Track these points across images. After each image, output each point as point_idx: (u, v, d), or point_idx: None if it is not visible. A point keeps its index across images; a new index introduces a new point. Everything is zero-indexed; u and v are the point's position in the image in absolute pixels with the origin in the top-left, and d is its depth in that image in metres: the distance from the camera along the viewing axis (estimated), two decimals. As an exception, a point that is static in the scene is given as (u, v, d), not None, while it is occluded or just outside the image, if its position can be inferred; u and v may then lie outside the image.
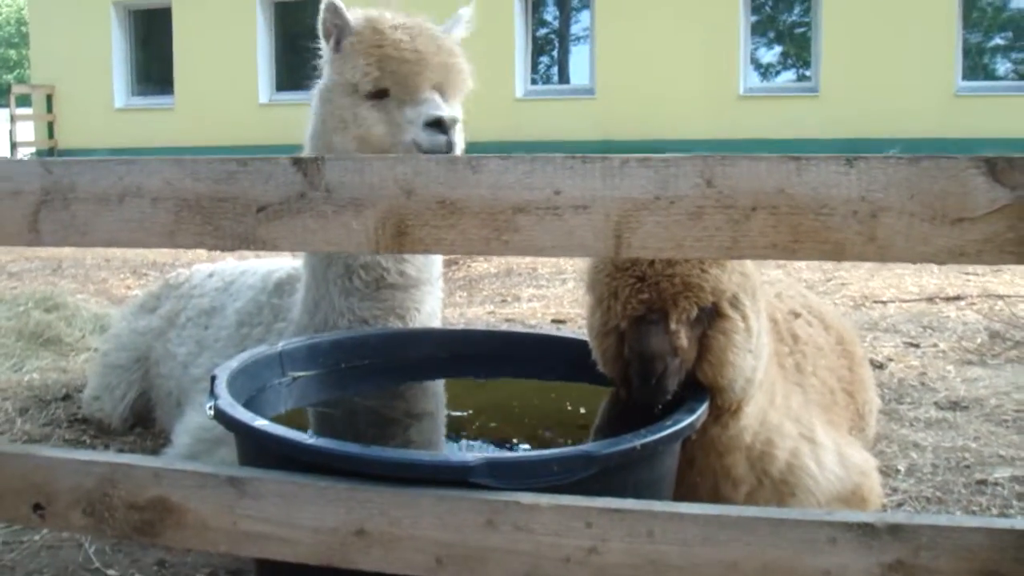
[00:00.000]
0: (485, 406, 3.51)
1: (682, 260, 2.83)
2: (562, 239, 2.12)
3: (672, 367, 2.83)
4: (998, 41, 19.74)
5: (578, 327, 6.64)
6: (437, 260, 4.14)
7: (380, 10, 3.94)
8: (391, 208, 2.18)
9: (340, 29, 3.91)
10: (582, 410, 3.43)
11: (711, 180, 2.04)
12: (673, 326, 2.85)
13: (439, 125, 3.68)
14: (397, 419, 3.35)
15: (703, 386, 2.95)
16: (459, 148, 3.72)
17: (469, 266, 10.10)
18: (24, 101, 25.31)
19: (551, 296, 8.47)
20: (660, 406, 2.84)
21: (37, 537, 3.58)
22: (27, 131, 24.00)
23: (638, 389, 2.86)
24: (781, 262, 9.76)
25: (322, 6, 3.92)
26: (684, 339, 2.86)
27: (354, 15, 3.90)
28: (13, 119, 23.56)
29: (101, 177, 2.35)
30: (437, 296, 4.19)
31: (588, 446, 2.52)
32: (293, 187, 2.23)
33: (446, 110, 3.73)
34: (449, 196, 2.15)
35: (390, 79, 3.79)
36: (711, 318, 2.91)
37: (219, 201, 2.28)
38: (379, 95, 3.80)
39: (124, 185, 2.34)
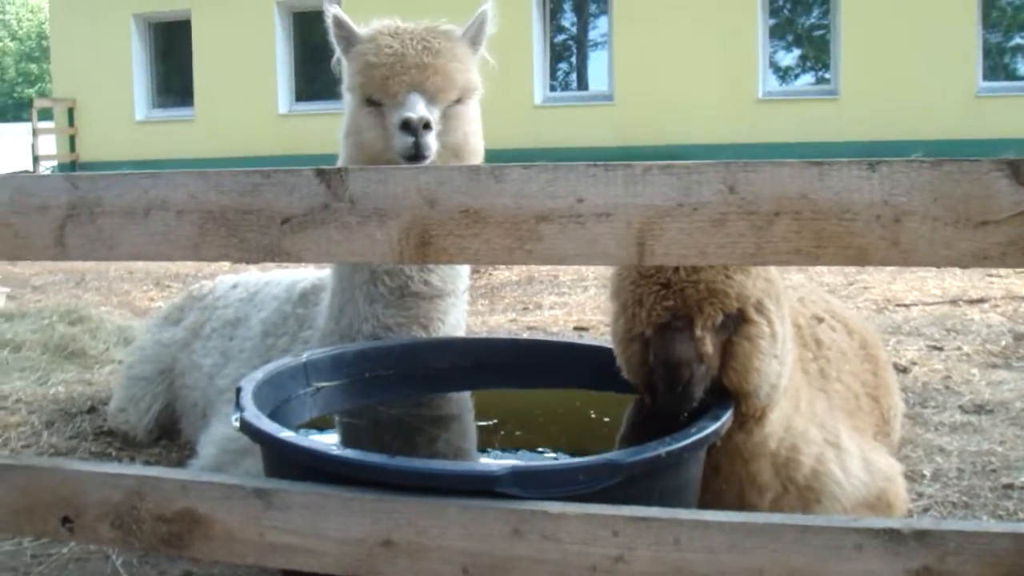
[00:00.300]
0: (509, 415, 3.52)
1: (706, 267, 2.82)
2: (585, 247, 2.13)
3: (698, 374, 2.83)
4: (1018, 41, 19.67)
5: (600, 334, 6.64)
6: (463, 272, 4.13)
7: (391, 19, 3.97)
8: (415, 218, 2.19)
9: (346, 39, 3.99)
10: (606, 419, 3.42)
11: (734, 187, 2.04)
12: (699, 332, 2.84)
13: (407, 127, 3.67)
14: (422, 428, 3.35)
15: (728, 392, 2.94)
16: (430, 150, 3.68)
17: (491, 274, 10.10)
18: (46, 115, 25.48)
19: (573, 304, 8.47)
20: (685, 413, 2.84)
21: (65, 550, 3.60)
22: (49, 144, 24.15)
23: (664, 396, 2.86)
24: (803, 266, 9.73)
25: (328, 20, 4.00)
26: (709, 346, 2.86)
27: (365, 26, 3.96)
28: (35, 133, 23.71)
29: (127, 191, 2.37)
30: (462, 308, 4.19)
31: (614, 454, 2.52)
32: (317, 198, 2.24)
33: (419, 111, 3.68)
34: (472, 205, 2.16)
35: (371, 85, 3.83)
36: (736, 324, 2.90)
37: (244, 213, 2.29)
38: (373, 102, 3.85)
39: (149, 199, 2.35)
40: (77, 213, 2.40)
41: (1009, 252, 1.95)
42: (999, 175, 1.94)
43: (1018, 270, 9.18)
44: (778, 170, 2.03)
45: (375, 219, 2.21)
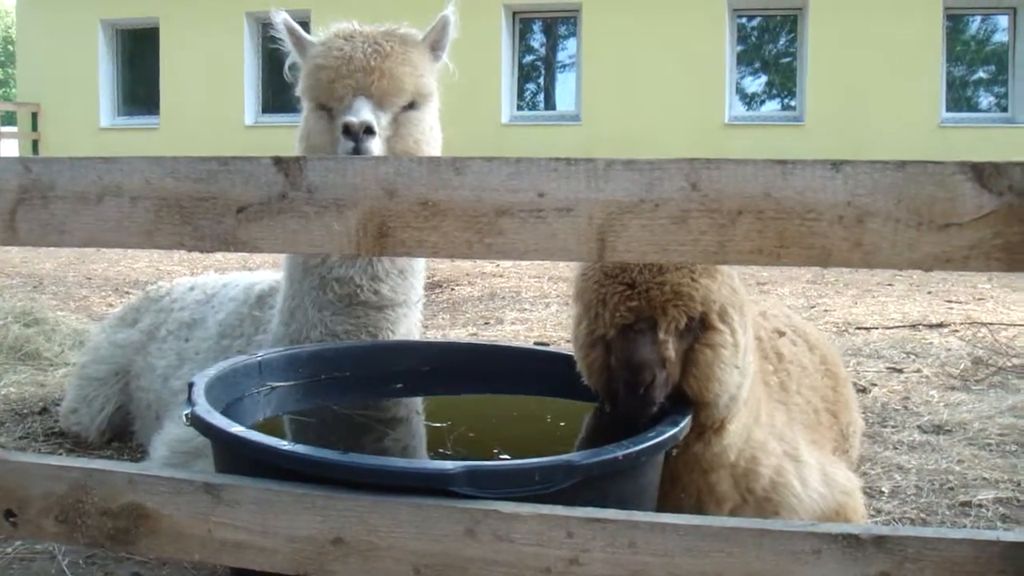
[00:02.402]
0: (464, 418, 3.48)
1: (672, 268, 2.80)
2: (545, 242, 2.10)
3: (659, 378, 2.80)
4: (981, 74, 19.91)
5: (560, 348, 6.61)
6: (416, 284, 4.09)
7: (350, 22, 3.92)
8: (373, 209, 2.15)
9: (298, 45, 3.96)
10: (562, 423, 3.39)
11: (696, 184, 2.02)
12: (662, 335, 2.82)
13: (347, 132, 3.61)
14: (370, 426, 3.31)
15: (688, 401, 2.91)
16: (373, 155, 3.59)
17: (452, 289, 10.07)
18: (9, 119, 25.25)
19: (534, 319, 8.44)
20: (645, 420, 2.81)
21: (10, 550, 3.52)
22: (11, 149, 23.94)
23: (624, 401, 2.83)
24: (765, 288, 9.78)
25: (278, 27, 3.97)
26: (672, 350, 2.83)
27: (324, 30, 3.92)
28: (-2, 137, 23.53)
29: (81, 175, 2.31)
30: (414, 320, 4.14)
31: (570, 455, 2.49)
32: (274, 187, 2.20)
33: (361, 116, 3.62)
34: (432, 197, 2.13)
35: (318, 88, 3.80)
36: (699, 331, 2.88)
37: (199, 200, 2.25)
38: (322, 106, 3.80)
39: (104, 184, 2.30)
40: (29, 197, 2.35)
41: (972, 255, 1.94)
42: (963, 178, 1.93)
43: (977, 296, 9.27)
44: (741, 168, 2.01)
45: (333, 209, 2.18)
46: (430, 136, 3.91)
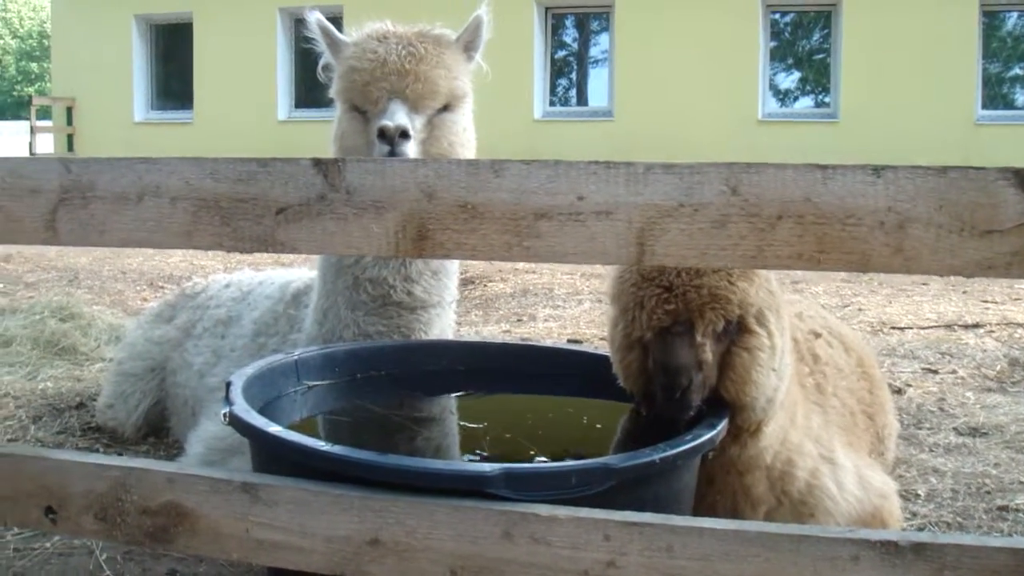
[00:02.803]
0: (500, 419, 3.48)
1: (709, 271, 2.79)
2: (584, 245, 2.09)
3: (696, 381, 2.79)
4: (1017, 71, 19.75)
5: (594, 347, 6.60)
6: (450, 284, 4.07)
7: (383, 22, 3.91)
8: (412, 211, 2.16)
9: (332, 45, 3.95)
10: (598, 425, 3.39)
11: (736, 188, 2.01)
12: (699, 338, 2.81)
13: (383, 136, 3.59)
14: (404, 426, 3.31)
15: (724, 404, 2.90)
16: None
17: (485, 286, 10.08)
18: (45, 113, 25.48)
19: (567, 316, 8.43)
20: (682, 423, 2.80)
21: (48, 544, 3.55)
22: (47, 143, 24.15)
23: (662, 404, 2.82)
24: (799, 286, 9.73)
25: (312, 27, 3.96)
26: (709, 353, 2.82)
27: (358, 29, 3.91)
28: (33, 131, 23.73)
29: (121, 176, 2.33)
30: (448, 321, 4.13)
31: (607, 458, 2.49)
32: (313, 189, 2.21)
33: (397, 119, 3.60)
34: (471, 200, 2.13)
35: (353, 91, 3.79)
36: (736, 334, 2.87)
37: (238, 202, 2.26)
38: (357, 108, 3.80)
39: (143, 184, 2.32)
40: (70, 197, 2.37)
41: (1014, 262, 1.92)
42: (1005, 184, 1.91)
43: (1014, 297, 9.18)
44: (781, 172, 2.00)
45: (372, 211, 2.18)
46: (464, 138, 3.88)
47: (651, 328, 2.85)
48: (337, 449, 2.44)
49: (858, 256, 1.99)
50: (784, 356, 3.00)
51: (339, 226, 2.21)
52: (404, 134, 3.58)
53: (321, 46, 4.02)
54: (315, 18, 4.01)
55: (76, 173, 2.36)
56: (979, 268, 1.95)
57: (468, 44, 3.98)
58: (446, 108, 3.81)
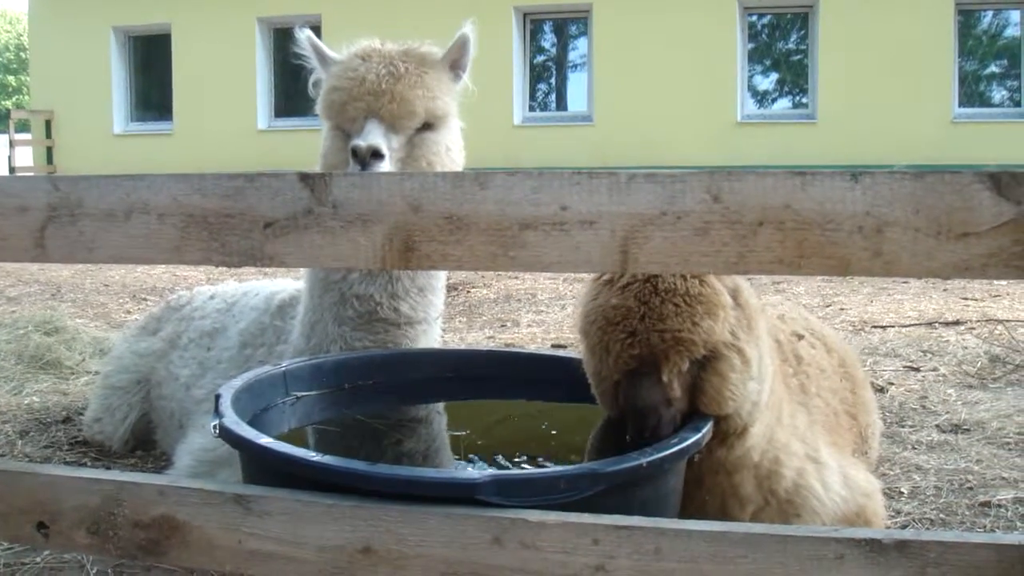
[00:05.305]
0: (487, 425, 3.50)
1: (673, 314, 2.80)
2: (569, 255, 2.12)
3: (666, 417, 2.81)
4: (993, 68, 19.88)
5: (577, 351, 6.63)
6: (436, 301, 4.09)
7: (371, 40, 3.92)
8: (398, 224, 2.18)
9: (322, 61, 3.98)
10: (585, 431, 3.42)
11: (718, 196, 2.04)
12: (665, 378, 2.83)
13: (355, 155, 3.59)
14: (391, 434, 3.34)
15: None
16: None
17: (468, 292, 10.11)
18: (23, 127, 25.38)
19: (550, 321, 8.47)
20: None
21: (39, 559, 3.56)
22: (26, 156, 24.05)
23: (633, 438, 2.84)
24: (780, 287, 9.78)
25: (302, 44, 3.99)
26: (678, 389, 2.85)
27: (348, 46, 3.93)
28: (12, 144, 23.63)
29: (108, 193, 2.35)
30: (434, 336, 4.15)
31: (595, 464, 2.51)
32: (300, 203, 2.23)
33: (370, 139, 3.60)
34: (456, 212, 2.15)
35: (332, 109, 3.81)
36: (705, 360, 2.89)
37: (226, 217, 2.28)
38: (338, 127, 3.82)
39: (131, 201, 2.34)
40: (58, 215, 2.38)
41: (990, 264, 1.96)
42: (981, 187, 1.94)
43: (993, 293, 9.26)
44: (762, 180, 2.03)
45: (359, 224, 2.21)
46: (446, 158, 3.87)
47: (618, 371, 2.88)
48: (328, 459, 2.46)
49: (838, 260, 2.02)
50: (763, 360, 3.02)
51: (326, 239, 2.23)
52: (376, 154, 3.59)
53: (313, 62, 4.04)
54: (306, 35, 4.03)
55: (64, 191, 2.38)
56: (956, 270, 1.98)
57: (454, 63, 3.97)
58: (427, 127, 3.81)
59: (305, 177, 2.24)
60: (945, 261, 1.97)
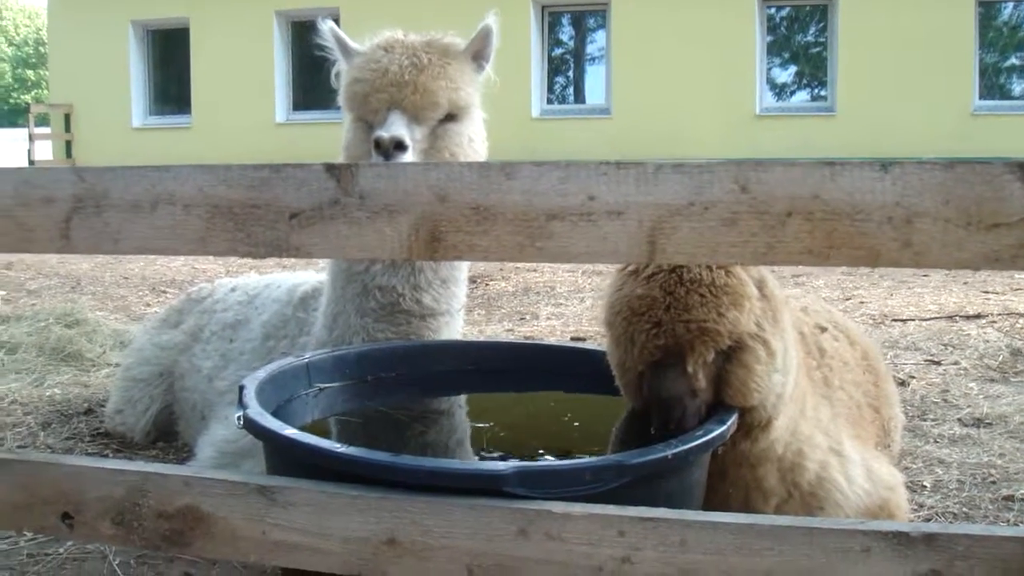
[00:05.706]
0: (512, 418, 3.50)
1: (698, 305, 2.79)
2: (596, 245, 2.11)
3: (691, 408, 2.80)
4: (1014, 60, 19.78)
5: (598, 344, 6.62)
6: (459, 293, 4.08)
7: (394, 31, 3.91)
8: (425, 214, 2.18)
9: (345, 53, 3.97)
10: (608, 422, 3.41)
11: (745, 186, 2.03)
12: (690, 369, 2.82)
13: (378, 147, 3.58)
14: (414, 425, 3.34)
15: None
16: None
17: (487, 284, 10.10)
18: (43, 120, 25.49)
19: (569, 314, 8.46)
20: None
21: (62, 549, 3.57)
22: (45, 150, 24.17)
23: (658, 430, 2.83)
24: (800, 279, 9.75)
25: (325, 35, 3.98)
26: (703, 380, 2.83)
27: (371, 37, 3.92)
28: (31, 138, 23.75)
29: (134, 184, 2.35)
30: (456, 328, 4.13)
31: (620, 455, 2.51)
32: (326, 193, 2.23)
33: (392, 131, 3.59)
34: (483, 202, 2.15)
35: (354, 101, 3.80)
36: (730, 351, 2.87)
37: (252, 208, 2.28)
38: (361, 118, 3.81)
39: (157, 192, 2.34)
40: (83, 206, 2.38)
41: (1020, 255, 1.94)
42: (1011, 178, 1.93)
43: (1015, 287, 9.20)
44: (790, 170, 2.02)
45: (385, 215, 2.20)
46: (469, 148, 3.86)
47: (643, 362, 2.87)
48: (352, 451, 2.46)
49: (867, 251, 2.00)
50: (787, 352, 3.01)
51: (352, 230, 2.23)
52: (399, 145, 3.57)
53: (335, 54, 4.03)
54: (328, 26, 4.02)
55: (90, 182, 2.38)
56: (986, 261, 1.96)
57: (477, 54, 3.96)
58: (450, 118, 3.79)
59: (331, 168, 2.24)
60: (975, 252, 1.96)
